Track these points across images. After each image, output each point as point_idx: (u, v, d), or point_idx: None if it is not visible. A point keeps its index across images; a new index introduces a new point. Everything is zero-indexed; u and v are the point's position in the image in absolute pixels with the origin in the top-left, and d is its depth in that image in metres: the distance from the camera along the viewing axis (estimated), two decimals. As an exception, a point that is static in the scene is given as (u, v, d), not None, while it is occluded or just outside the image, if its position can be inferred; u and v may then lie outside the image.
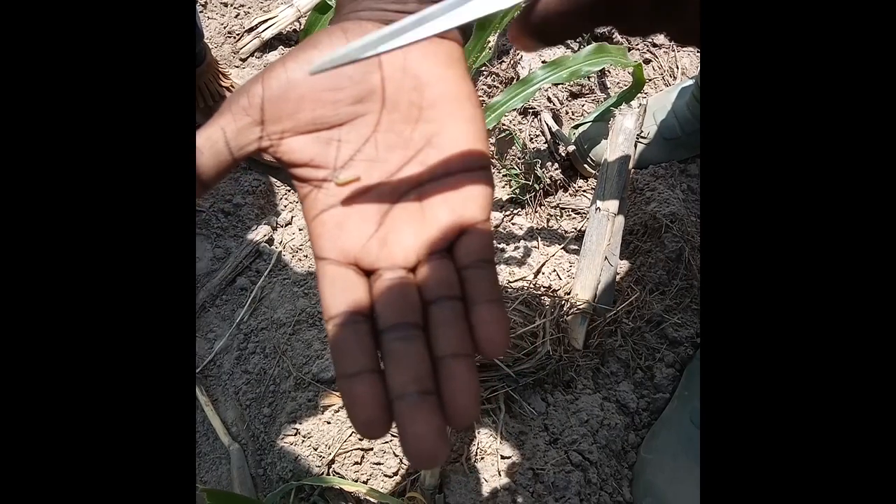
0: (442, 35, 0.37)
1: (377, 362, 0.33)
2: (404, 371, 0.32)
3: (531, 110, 1.18)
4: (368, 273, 0.37)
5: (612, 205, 0.98)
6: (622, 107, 1.10)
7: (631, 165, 1.05)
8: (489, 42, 1.16)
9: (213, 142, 0.35)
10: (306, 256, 1.07)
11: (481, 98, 1.19)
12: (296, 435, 0.87)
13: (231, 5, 1.39)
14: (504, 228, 1.09)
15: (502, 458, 0.83)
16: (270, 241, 1.10)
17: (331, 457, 0.84)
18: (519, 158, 1.12)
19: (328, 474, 0.84)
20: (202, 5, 1.38)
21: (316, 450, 0.86)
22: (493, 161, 1.14)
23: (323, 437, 0.86)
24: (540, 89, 0.99)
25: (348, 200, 0.37)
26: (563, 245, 1.04)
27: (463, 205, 0.37)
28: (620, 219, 0.99)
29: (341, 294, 0.35)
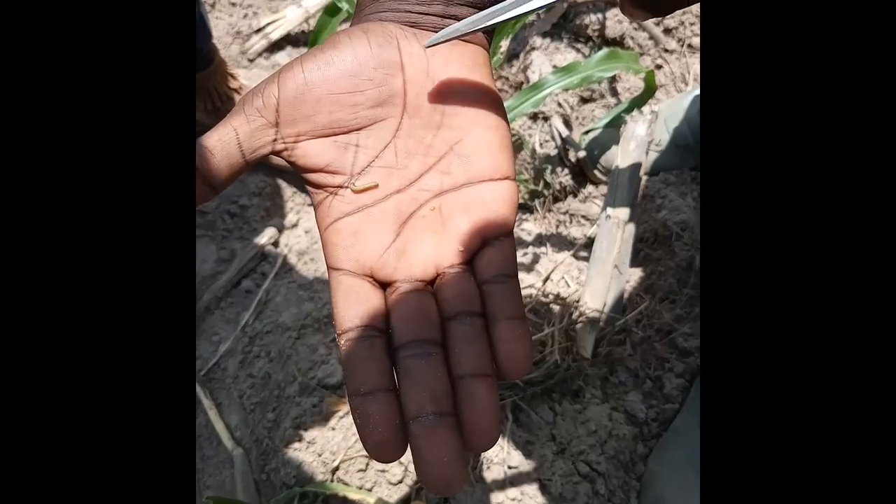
0: (466, 39, 0.36)
1: (392, 380, 0.32)
2: (421, 390, 0.31)
3: (541, 115, 1.17)
4: (384, 285, 0.35)
5: (623, 212, 0.97)
6: (633, 113, 1.09)
7: (642, 172, 1.04)
8: (501, 47, 1.15)
9: (226, 143, 0.33)
10: (312, 260, 1.07)
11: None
12: (300, 441, 0.86)
13: (239, 5, 1.39)
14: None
15: (509, 467, 0.82)
16: (276, 243, 1.09)
17: (335, 463, 0.83)
18: (528, 164, 1.11)
19: (332, 481, 0.83)
20: (210, 5, 1.38)
21: (320, 456, 0.85)
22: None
23: (327, 443, 0.85)
24: (550, 94, 0.98)
25: (365, 208, 0.36)
26: (572, 252, 1.03)
27: (485, 216, 0.35)
28: (631, 227, 0.98)
29: (355, 307, 0.34)
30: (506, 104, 0.97)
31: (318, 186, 0.36)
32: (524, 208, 1.11)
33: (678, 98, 1.12)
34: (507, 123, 0.37)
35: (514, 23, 0.92)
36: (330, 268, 0.35)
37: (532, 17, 1.26)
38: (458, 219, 0.35)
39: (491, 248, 0.35)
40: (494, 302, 0.33)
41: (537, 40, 1.24)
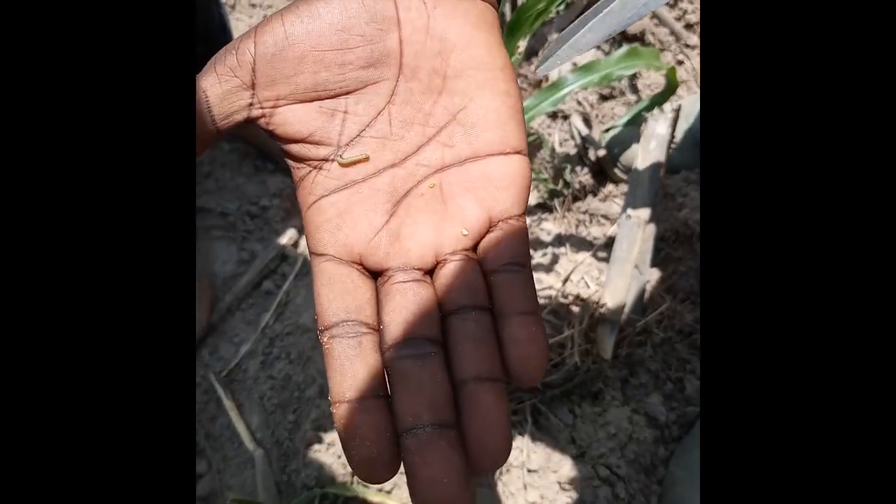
0: None
1: (383, 385, 0.28)
2: (417, 397, 0.27)
3: (561, 113, 1.16)
4: (375, 274, 0.31)
5: (644, 212, 0.96)
6: (654, 111, 1.07)
7: (662, 171, 1.03)
8: (519, 46, 1.14)
9: None
10: (332, 260, 1.07)
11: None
12: (320, 442, 0.87)
13: (259, 6, 1.39)
14: (532, 234, 1.08)
15: (528, 471, 0.81)
16: (296, 244, 1.10)
17: (355, 465, 0.84)
18: (548, 162, 1.10)
19: (353, 483, 0.83)
20: (230, 7, 1.38)
21: (340, 458, 0.85)
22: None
23: (347, 445, 0.86)
24: (570, 93, 0.97)
25: (354, 184, 0.31)
26: (592, 252, 1.02)
27: (493, 195, 0.31)
28: (651, 226, 0.97)
29: (341, 298, 0.30)
30: (525, 103, 0.96)
31: (299, 159, 0.31)
32: (543, 208, 1.10)
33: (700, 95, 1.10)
34: (518, 90, 0.33)
35: (533, 21, 0.91)
36: (312, 253, 0.31)
37: (551, 14, 1.25)
38: (461, 198, 0.31)
39: (499, 231, 0.31)
40: (504, 294, 0.29)
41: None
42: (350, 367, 0.28)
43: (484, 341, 0.28)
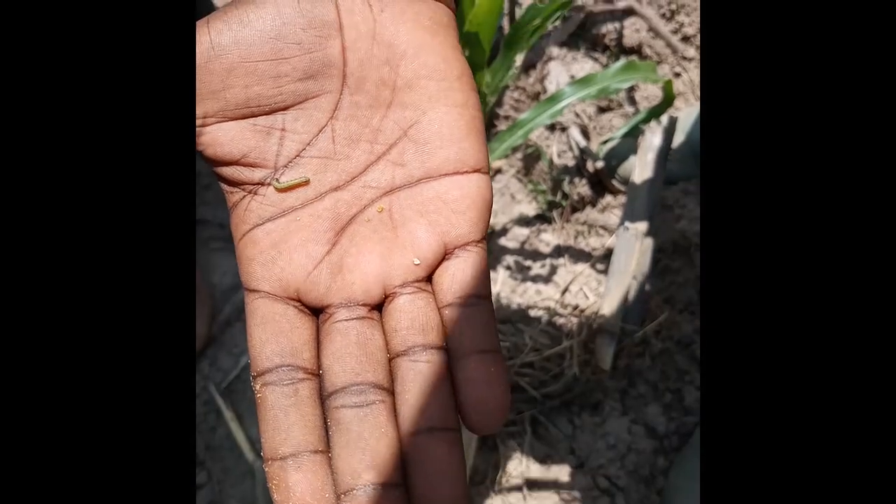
0: None
1: (323, 439, 0.26)
2: (358, 453, 0.24)
3: (559, 125, 1.17)
4: (317, 311, 0.28)
5: (642, 224, 0.97)
6: (651, 123, 1.08)
7: (660, 183, 1.04)
8: (516, 61, 1.15)
9: None
10: (332, 272, 1.07)
11: (508, 114, 1.18)
12: (320, 453, 0.87)
13: None
14: (530, 245, 1.08)
15: (528, 481, 0.81)
16: (296, 255, 1.10)
17: (355, 476, 0.84)
18: (546, 174, 1.11)
19: (352, 494, 0.83)
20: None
21: (340, 469, 0.85)
22: (520, 177, 1.13)
23: (347, 456, 0.86)
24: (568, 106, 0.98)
25: (292, 210, 0.28)
26: (590, 263, 1.03)
27: (448, 219, 0.28)
28: (649, 238, 0.97)
29: (275, 340, 0.27)
30: (523, 116, 0.97)
31: (232, 183, 0.28)
32: (542, 219, 1.11)
33: (697, 107, 1.11)
34: (478, 101, 0.30)
35: (530, 35, 0.92)
36: (246, 290, 0.28)
37: (549, 27, 1.26)
38: (412, 223, 0.29)
39: (456, 261, 0.28)
40: (460, 331, 0.27)
41: (554, 50, 1.24)
42: (284, 420, 0.25)
43: (437, 386, 0.26)
